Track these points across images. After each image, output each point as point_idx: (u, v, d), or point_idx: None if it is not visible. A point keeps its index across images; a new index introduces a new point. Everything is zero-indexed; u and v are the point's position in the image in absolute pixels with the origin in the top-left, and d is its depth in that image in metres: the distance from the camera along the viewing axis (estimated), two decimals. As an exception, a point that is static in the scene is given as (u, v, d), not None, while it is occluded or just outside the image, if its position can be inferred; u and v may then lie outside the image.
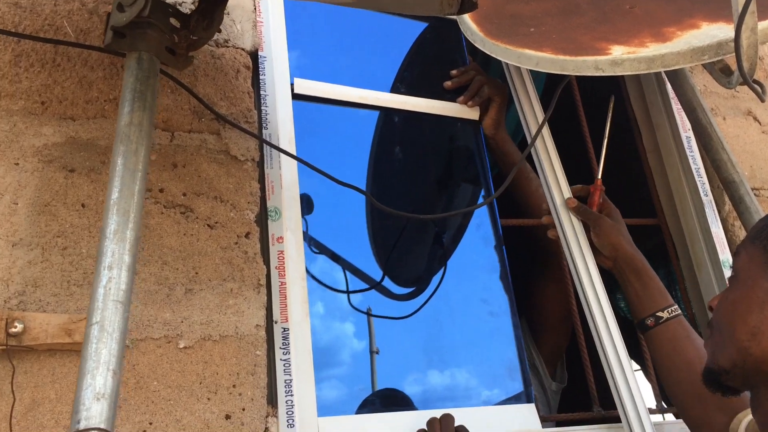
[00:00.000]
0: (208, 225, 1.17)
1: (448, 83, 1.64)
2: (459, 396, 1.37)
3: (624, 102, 1.94)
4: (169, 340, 1.08)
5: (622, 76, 1.95)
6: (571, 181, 1.54)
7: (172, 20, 0.91)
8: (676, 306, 1.35)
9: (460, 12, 0.92)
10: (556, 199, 1.50)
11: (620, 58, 1.16)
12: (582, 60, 1.19)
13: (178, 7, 0.94)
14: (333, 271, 1.49)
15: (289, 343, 1.19)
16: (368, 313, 1.52)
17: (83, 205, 1.10)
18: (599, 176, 1.53)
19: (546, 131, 1.58)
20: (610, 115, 1.56)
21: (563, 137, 1.66)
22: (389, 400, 1.39)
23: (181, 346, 1.08)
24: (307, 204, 1.46)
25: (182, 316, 1.10)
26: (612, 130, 1.55)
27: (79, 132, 1.15)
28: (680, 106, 1.79)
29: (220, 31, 1.00)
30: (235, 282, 1.16)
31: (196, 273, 1.14)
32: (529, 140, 1.55)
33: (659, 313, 1.33)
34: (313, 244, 1.47)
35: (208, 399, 1.07)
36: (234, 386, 1.09)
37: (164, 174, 1.17)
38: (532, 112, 1.56)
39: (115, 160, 0.77)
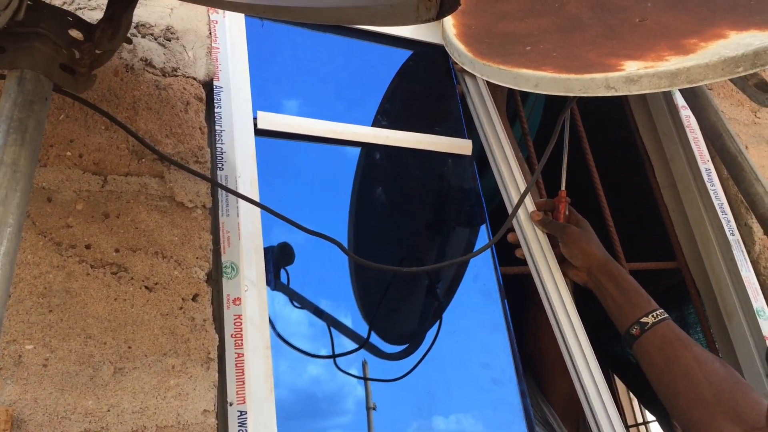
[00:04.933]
0: (146, 287, 0.96)
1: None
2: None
3: (632, 133, 1.76)
4: (91, 434, 0.86)
5: (628, 103, 1.78)
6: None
7: (72, 32, 0.72)
8: (662, 310, 1.20)
9: (440, 15, 0.73)
10: (519, 214, 1.39)
11: (636, 74, 0.97)
12: (590, 78, 1.00)
13: (80, 14, 0.75)
14: (314, 329, 1.29)
15: (247, 431, 0.97)
16: (353, 375, 1.30)
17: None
18: (563, 187, 1.41)
19: (507, 146, 1.44)
20: (566, 118, 1.43)
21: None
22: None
23: (107, 442, 0.86)
24: (283, 253, 1.27)
25: (109, 404, 0.88)
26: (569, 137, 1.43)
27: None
28: (696, 135, 1.61)
29: (129, 41, 0.82)
30: (179, 357, 0.94)
31: (129, 347, 0.92)
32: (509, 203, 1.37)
33: (644, 319, 1.20)
34: (295, 299, 1.28)
35: None
36: (173, 491, 0.87)
37: (92, 227, 0.97)
38: (510, 174, 1.41)
39: (-24, 211, 0.56)
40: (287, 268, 1.28)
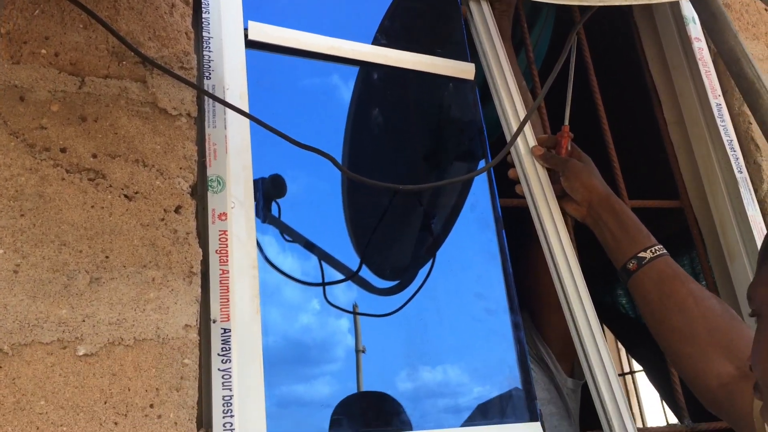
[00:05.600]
0: (126, 195, 0.91)
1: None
2: (447, 416, 1.11)
3: (641, 67, 1.69)
4: (65, 345, 0.81)
5: (638, 34, 1.70)
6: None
7: None
8: (662, 246, 1.17)
9: None
10: (520, 149, 1.34)
11: (658, -19, 0.90)
12: (608, -15, 0.93)
13: None
14: (303, 261, 1.24)
15: (230, 349, 0.92)
16: (343, 309, 1.26)
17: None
18: (566, 122, 1.37)
19: (510, 73, 1.39)
20: (573, 50, 1.38)
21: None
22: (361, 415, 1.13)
23: (81, 354, 0.82)
24: (275, 185, 1.21)
25: (84, 314, 0.83)
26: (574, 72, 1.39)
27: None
28: (708, 69, 1.54)
29: None
30: (159, 269, 0.89)
31: (106, 257, 0.87)
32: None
33: (641, 254, 1.17)
34: (286, 232, 1.23)
35: (116, 424, 0.81)
36: (152, 406, 0.83)
37: (68, 129, 0.90)
38: (510, 102, 1.35)
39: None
40: (278, 200, 1.23)
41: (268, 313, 1.05)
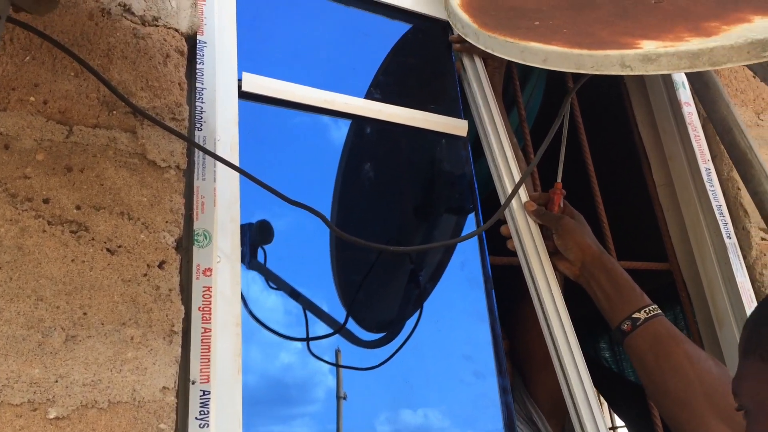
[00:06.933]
0: (108, 249, 0.88)
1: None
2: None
3: (630, 129, 1.70)
4: (35, 407, 0.77)
5: (628, 97, 1.71)
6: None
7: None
8: (656, 306, 1.15)
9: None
10: (512, 205, 1.32)
11: (654, 52, 0.90)
12: (604, 55, 0.93)
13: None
14: (287, 308, 1.21)
15: (208, 413, 0.89)
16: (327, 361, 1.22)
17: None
18: (559, 179, 1.35)
19: (503, 133, 1.38)
20: (566, 112, 1.35)
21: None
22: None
23: (52, 417, 0.78)
24: (262, 231, 1.19)
25: (58, 374, 0.80)
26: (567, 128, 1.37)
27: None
28: (697, 133, 1.55)
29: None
30: (139, 327, 0.86)
31: (84, 314, 0.84)
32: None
33: (636, 315, 1.15)
34: (272, 279, 1.20)
35: (85, 492, 0.76)
36: (124, 474, 0.79)
37: (52, 179, 0.88)
38: (505, 163, 1.35)
39: None
40: (265, 247, 1.21)
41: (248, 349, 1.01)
